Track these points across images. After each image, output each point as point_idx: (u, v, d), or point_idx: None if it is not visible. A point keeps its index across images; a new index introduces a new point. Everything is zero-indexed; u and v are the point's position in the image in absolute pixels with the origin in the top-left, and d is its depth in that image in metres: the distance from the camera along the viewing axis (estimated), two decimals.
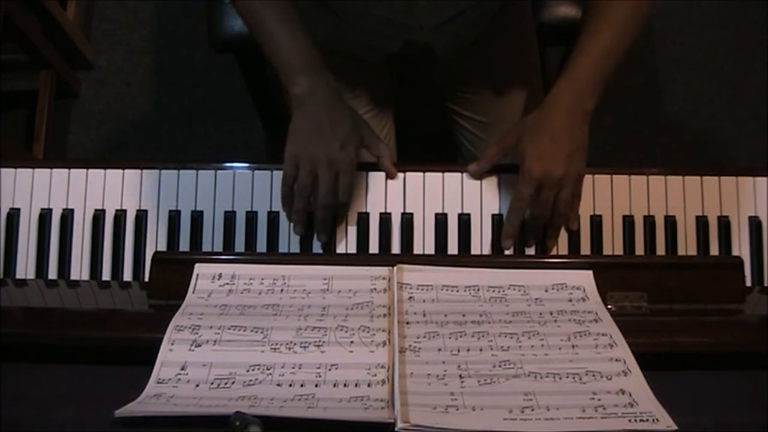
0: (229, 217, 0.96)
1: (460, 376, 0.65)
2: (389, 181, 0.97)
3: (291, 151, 0.92)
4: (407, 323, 0.73)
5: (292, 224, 0.95)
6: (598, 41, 0.92)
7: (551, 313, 0.75)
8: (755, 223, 0.95)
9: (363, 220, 0.96)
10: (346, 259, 0.87)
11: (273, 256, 0.93)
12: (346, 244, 0.96)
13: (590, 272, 0.80)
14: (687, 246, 0.95)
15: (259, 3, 0.93)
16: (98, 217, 0.96)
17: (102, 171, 0.97)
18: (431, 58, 1.10)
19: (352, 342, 0.70)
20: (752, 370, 0.68)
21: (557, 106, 0.92)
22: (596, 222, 0.96)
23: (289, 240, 0.96)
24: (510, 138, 0.94)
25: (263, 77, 1.55)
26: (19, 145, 1.77)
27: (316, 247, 0.96)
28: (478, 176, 0.96)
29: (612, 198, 0.96)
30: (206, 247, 0.95)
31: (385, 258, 0.88)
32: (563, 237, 0.96)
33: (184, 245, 0.95)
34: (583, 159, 0.92)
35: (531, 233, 0.94)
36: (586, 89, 0.91)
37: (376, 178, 0.97)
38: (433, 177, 0.97)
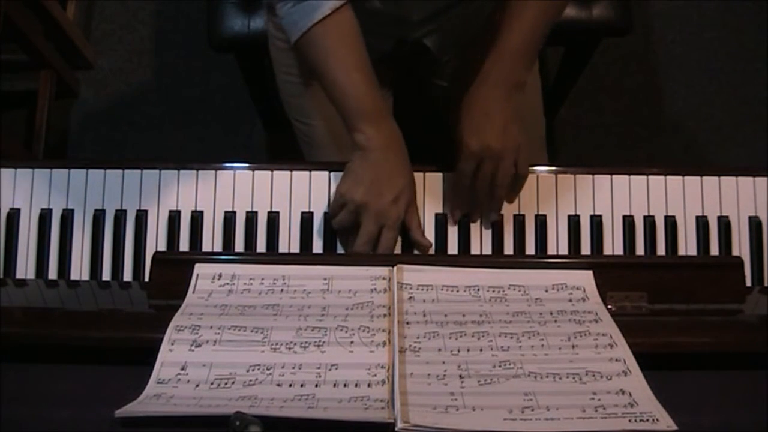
0: (229, 217, 0.96)
1: (460, 376, 0.65)
2: None
3: (341, 191, 0.93)
4: (407, 323, 0.73)
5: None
6: (524, 12, 0.92)
7: (551, 313, 0.74)
8: (755, 223, 0.96)
9: None
10: (346, 259, 0.87)
11: (273, 256, 0.93)
12: None
13: (590, 272, 0.80)
14: (687, 246, 0.95)
15: (328, 43, 0.91)
16: (98, 217, 0.96)
17: (102, 171, 0.97)
18: (428, 58, 1.10)
19: (352, 342, 0.70)
20: (752, 370, 0.68)
21: (487, 80, 0.93)
22: (596, 222, 0.96)
23: (289, 240, 0.96)
24: (452, 121, 0.95)
25: (263, 77, 1.55)
26: (19, 145, 1.77)
27: (317, 247, 0.96)
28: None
29: (612, 198, 0.96)
30: (206, 247, 0.95)
31: (385, 258, 0.88)
32: (563, 237, 0.96)
33: (184, 245, 0.95)
34: (517, 129, 0.93)
35: (477, 209, 0.95)
36: (515, 61, 0.92)
37: None
38: (433, 177, 0.97)
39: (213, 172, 0.97)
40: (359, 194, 0.91)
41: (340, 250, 0.96)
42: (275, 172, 0.97)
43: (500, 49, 0.92)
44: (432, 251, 0.95)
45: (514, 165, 0.93)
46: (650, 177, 0.97)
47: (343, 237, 0.95)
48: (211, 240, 0.96)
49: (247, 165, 0.98)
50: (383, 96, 0.95)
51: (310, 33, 0.90)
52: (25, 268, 0.95)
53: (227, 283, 0.80)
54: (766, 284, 0.95)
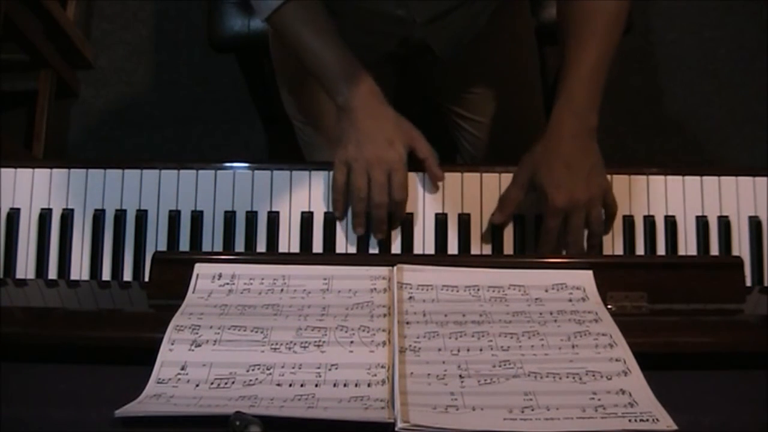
0: (229, 217, 0.96)
1: (460, 376, 0.65)
2: None
3: (340, 157, 0.93)
4: (407, 323, 0.73)
5: (352, 227, 0.95)
6: (585, 55, 0.91)
7: (551, 313, 0.74)
8: (755, 223, 0.95)
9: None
10: (346, 259, 0.87)
11: (273, 256, 0.93)
12: (346, 244, 0.96)
13: (590, 272, 0.80)
14: (687, 246, 0.95)
15: (293, 19, 0.93)
16: (98, 217, 0.96)
17: (102, 171, 0.97)
18: (429, 58, 1.10)
19: (352, 342, 0.70)
20: (752, 370, 0.68)
21: (561, 131, 0.91)
22: None
23: (289, 240, 0.96)
24: (524, 173, 0.93)
25: (263, 77, 1.56)
26: (19, 145, 1.77)
27: (317, 247, 0.96)
28: (503, 222, 0.95)
29: None
30: (206, 247, 0.95)
31: (385, 258, 0.88)
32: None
33: (184, 245, 0.95)
34: (601, 175, 0.92)
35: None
36: (586, 107, 0.91)
37: None
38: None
39: (213, 172, 0.97)
40: (354, 150, 0.92)
41: (340, 250, 0.96)
42: (275, 172, 0.97)
43: (568, 99, 0.91)
44: (432, 251, 0.95)
45: (602, 209, 0.92)
46: (650, 177, 0.97)
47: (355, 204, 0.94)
48: (211, 240, 0.96)
49: (247, 165, 0.98)
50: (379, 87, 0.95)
51: (283, 8, 0.92)
52: (25, 268, 0.95)
53: (227, 283, 0.80)
54: (766, 284, 0.95)
